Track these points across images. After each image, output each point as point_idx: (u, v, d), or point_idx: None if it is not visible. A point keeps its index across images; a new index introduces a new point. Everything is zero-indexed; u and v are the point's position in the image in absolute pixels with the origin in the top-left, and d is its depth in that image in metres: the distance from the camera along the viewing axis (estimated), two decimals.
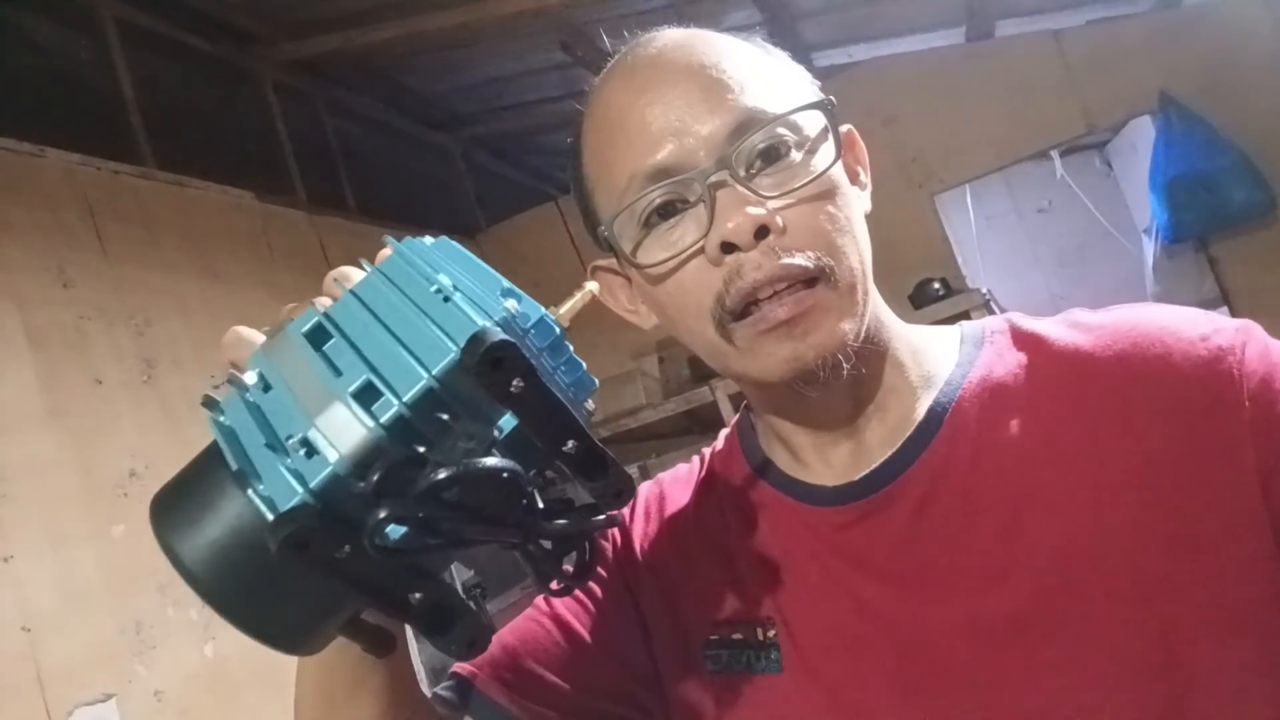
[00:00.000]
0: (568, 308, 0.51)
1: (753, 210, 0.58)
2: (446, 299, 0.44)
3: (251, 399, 0.45)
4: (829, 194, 0.61)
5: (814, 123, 0.62)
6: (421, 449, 0.41)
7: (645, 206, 0.62)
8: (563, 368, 0.49)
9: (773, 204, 0.59)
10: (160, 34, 2.65)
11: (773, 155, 0.60)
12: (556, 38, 3.14)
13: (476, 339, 0.40)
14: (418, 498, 0.40)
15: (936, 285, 3.07)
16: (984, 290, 3.22)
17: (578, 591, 0.75)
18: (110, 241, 2.10)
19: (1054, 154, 4.30)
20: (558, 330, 0.48)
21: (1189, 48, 3.20)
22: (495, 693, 0.70)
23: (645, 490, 0.81)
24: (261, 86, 3.05)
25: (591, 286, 0.53)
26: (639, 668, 0.74)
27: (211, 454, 0.45)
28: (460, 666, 0.73)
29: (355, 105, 3.55)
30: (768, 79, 0.63)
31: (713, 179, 0.59)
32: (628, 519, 0.79)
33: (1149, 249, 3.78)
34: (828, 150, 0.61)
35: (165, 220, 2.30)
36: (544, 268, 3.57)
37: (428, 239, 0.50)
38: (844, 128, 0.65)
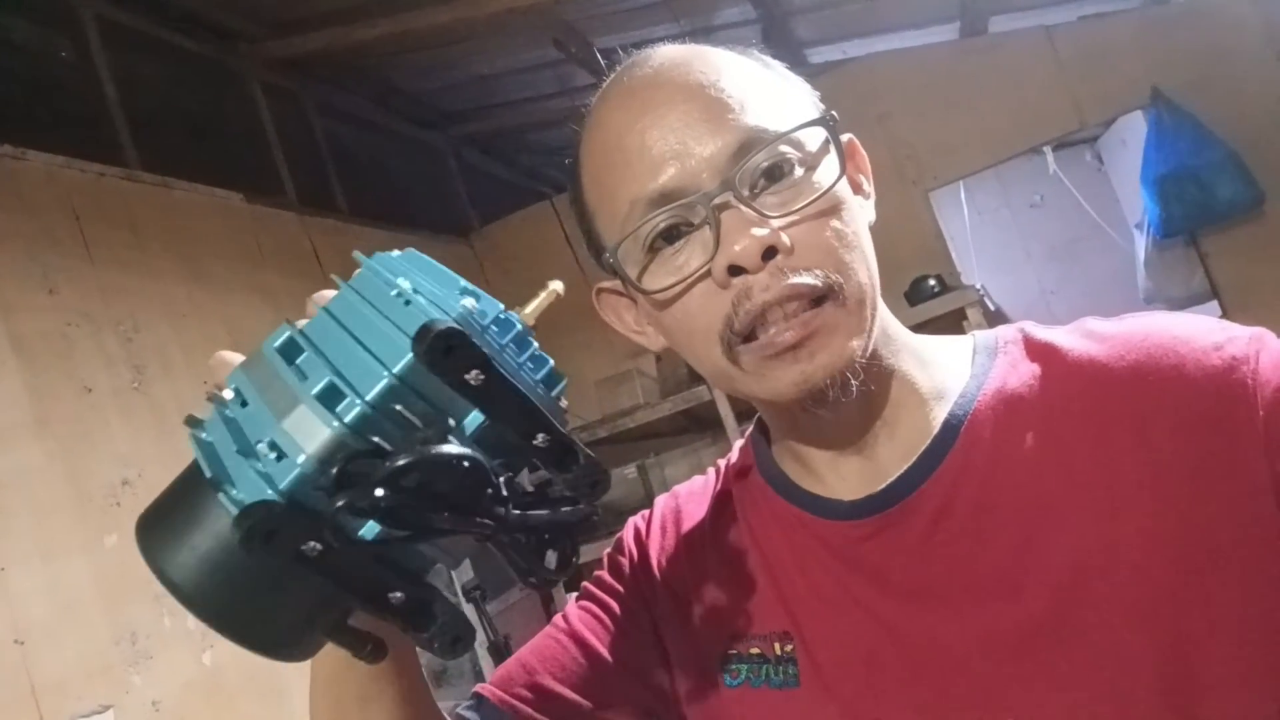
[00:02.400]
0: (532, 307, 0.52)
1: (758, 231, 0.57)
2: (407, 302, 0.46)
3: (229, 413, 0.47)
4: (834, 210, 0.60)
5: (816, 138, 0.62)
6: (387, 445, 0.43)
7: (649, 232, 0.61)
8: (529, 364, 0.50)
9: (777, 223, 0.59)
10: (142, 33, 2.61)
11: (776, 174, 0.60)
12: (548, 34, 3.12)
13: (425, 329, 0.42)
14: (376, 484, 0.41)
15: (932, 282, 3.05)
16: (978, 286, 3.22)
17: (595, 608, 0.76)
18: (96, 246, 2.07)
19: (1046, 149, 4.31)
20: (518, 326, 0.50)
21: (1179, 43, 3.22)
22: (510, 709, 0.71)
23: (662, 504, 0.81)
24: (248, 86, 3.01)
25: (556, 286, 0.54)
26: (657, 683, 0.74)
27: (191, 470, 0.47)
28: (480, 686, 0.74)
29: (344, 104, 3.52)
30: (768, 95, 0.62)
31: (717, 201, 0.58)
32: (644, 534, 0.80)
33: (1140, 244, 3.79)
34: (831, 165, 0.61)
35: (152, 223, 2.26)
36: (539, 267, 3.53)
37: (395, 252, 0.52)
38: (845, 137, 0.65)
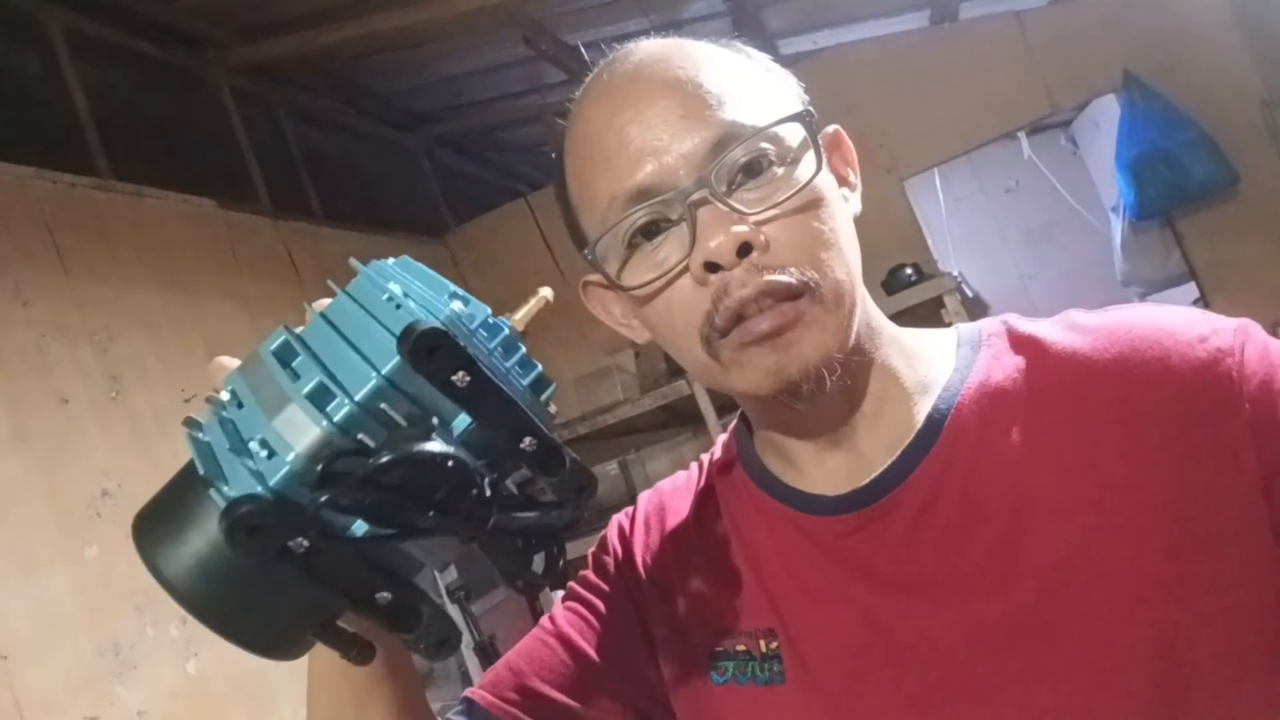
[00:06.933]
0: (522, 314, 0.53)
1: (735, 228, 0.57)
2: (398, 306, 0.46)
3: (226, 415, 0.48)
4: (813, 205, 0.60)
5: (795, 133, 0.61)
6: (372, 444, 0.44)
7: (628, 228, 0.61)
8: (517, 368, 0.50)
9: (755, 219, 0.58)
10: (110, 42, 2.59)
11: (754, 169, 0.60)
12: (517, 32, 3.10)
13: (408, 329, 0.43)
14: (360, 482, 0.42)
15: (909, 270, 3.06)
16: (955, 273, 3.23)
17: (581, 608, 0.76)
18: (69, 256, 2.05)
19: (1020, 134, 4.33)
20: (506, 330, 0.51)
21: (1149, 26, 3.22)
22: (500, 712, 0.71)
23: (645, 500, 0.81)
24: (218, 92, 2.99)
25: (545, 292, 0.54)
26: (645, 682, 0.74)
27: (187, 468, 0.48)
28: (470, 690, 0.74)
29: (315, 108, 3.49)
30: (748, 90, 0.62)
31: (693, 197, 0.58)
32: (628, 531, 0.79)
33: (1116, 226, 3.81)
34: (810, 161, 0.61)
35: (125, 232, 2.25)
36: (516, 266, 3.54)
37: (390, 260, 0.53)
38: (830, 128, 0.65)
